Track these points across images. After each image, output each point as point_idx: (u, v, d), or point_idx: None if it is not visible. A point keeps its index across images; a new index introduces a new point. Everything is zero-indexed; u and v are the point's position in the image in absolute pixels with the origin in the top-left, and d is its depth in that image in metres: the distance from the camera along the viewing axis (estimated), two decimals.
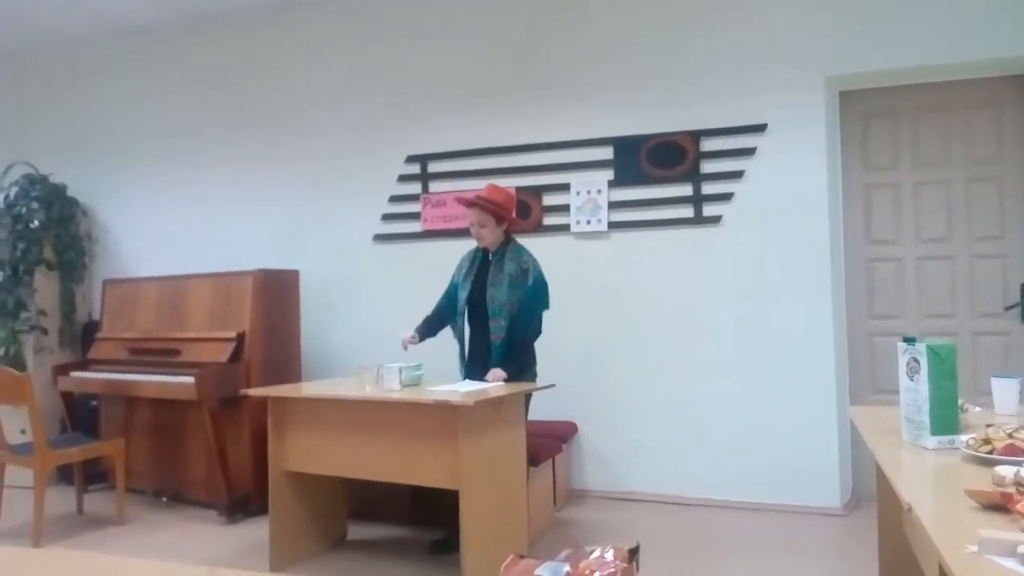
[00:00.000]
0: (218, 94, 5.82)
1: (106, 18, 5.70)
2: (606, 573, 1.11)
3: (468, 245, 3.98)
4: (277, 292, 4.76)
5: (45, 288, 5.66)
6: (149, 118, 6.01)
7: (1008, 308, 4.25)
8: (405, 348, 3.82)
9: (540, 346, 3.84)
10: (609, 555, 1.14)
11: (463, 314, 3.85)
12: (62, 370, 5.08)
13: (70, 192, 5.92)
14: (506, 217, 3.79)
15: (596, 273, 4.78)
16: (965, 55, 4.13)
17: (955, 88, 4.35)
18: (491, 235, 3.77)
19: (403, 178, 5.28)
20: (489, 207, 3.73)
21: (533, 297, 3.73)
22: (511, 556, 1.20)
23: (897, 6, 4.22)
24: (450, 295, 3.96)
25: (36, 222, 5.64)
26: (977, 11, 4.09)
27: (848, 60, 4.32)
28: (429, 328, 3.95)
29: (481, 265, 3.84)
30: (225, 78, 5.79)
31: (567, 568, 1.13)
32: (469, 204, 3.79)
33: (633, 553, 1.16)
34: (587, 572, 1.12)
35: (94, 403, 5.20)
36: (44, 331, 5.63)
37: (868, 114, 4.52)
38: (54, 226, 5.74)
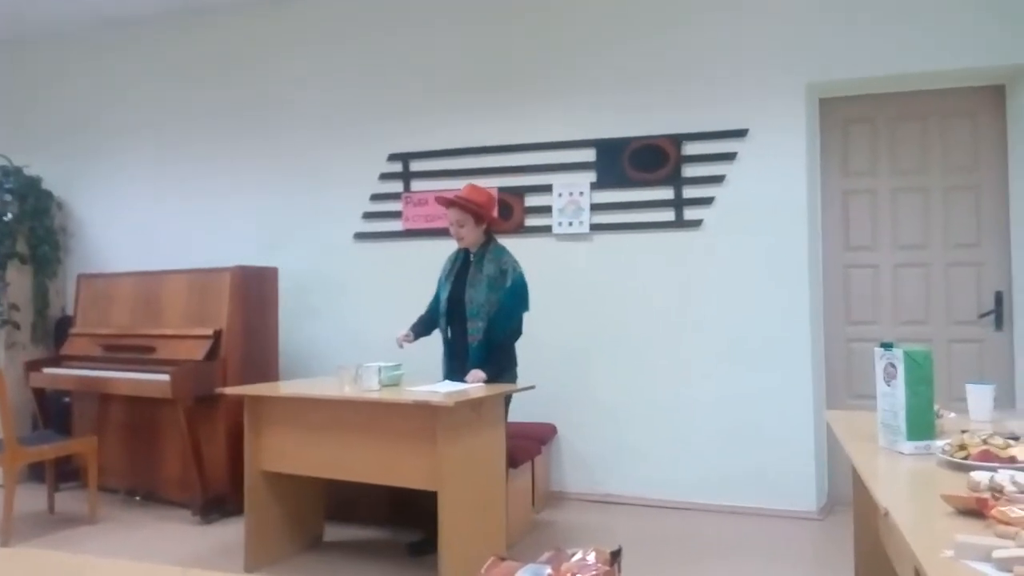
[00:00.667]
0: (197, 89, 5.75)
1: (84, 9, 5.62)
2: None
3: (450, 245, 3.97)
4: (255, 289, 4.71)
5: (18, 282, 5.57)
6: (126, 111, 5.93)
7: (983, 316, 4.31)
8: (400, 346, 3.80)
9: (520, 348, 3.84)
10: (591, 558, 1.14)
11: (444, 315, 3.84)
12: (34, 366, 5.00)
13: (45, 185, 5.83)
14: (485, 217, 3.79)
15: (577, 275, 4.78)
16: (943, 64, 4.19)
17: (932, 97, 4.41)
18: (470, 235, 3.76)
19: (385, 176, 5.26)
20: (468, 206, 3.72)
21: (511, 298, 3.72)
22: (492, 558, 1.19)
23: (877, 15, 4.27)
24: (437, 295, 3.95)
25: (9, 215, 5.55)
26: (955, 22, 4.14)
27: (828, 67, 4.36)
28: (423, 327, 3.94)
29: (462, 266, 3.84)
30: (205, 73, 5.73)
31: (549, 570, 1.12)
32: (448, 203, 3.78)
33: (615, 556, 1.16)
34: (569, 574, 1.12)
35: (67, 400, 5.12)
36: (16, 326, 5.54)
37: (847, 121, 4.57)
38: (28, 219, 5.65)
